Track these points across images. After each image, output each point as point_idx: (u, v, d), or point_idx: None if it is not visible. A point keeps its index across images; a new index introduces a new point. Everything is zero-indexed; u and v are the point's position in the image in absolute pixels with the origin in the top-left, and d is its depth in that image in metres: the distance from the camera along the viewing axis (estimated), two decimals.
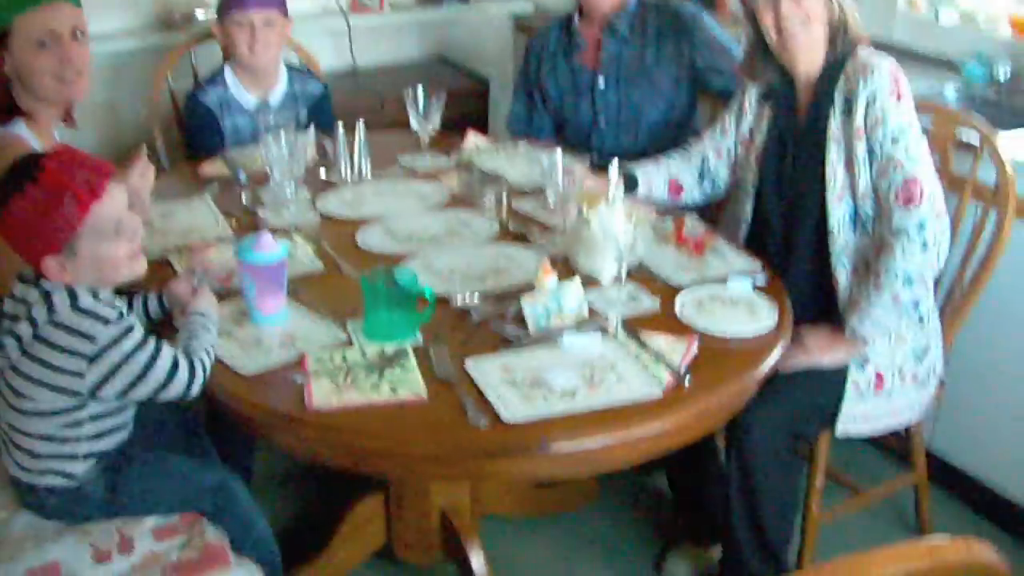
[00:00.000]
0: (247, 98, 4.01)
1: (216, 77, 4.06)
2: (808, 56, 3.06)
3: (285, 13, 4.00)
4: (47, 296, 2.31)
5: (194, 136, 4.06)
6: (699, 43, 3.86)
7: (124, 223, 2.37)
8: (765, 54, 3.15)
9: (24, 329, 2.30)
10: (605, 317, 2.61)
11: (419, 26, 5.70)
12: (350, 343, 2.52)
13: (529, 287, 2.66)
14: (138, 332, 2.34)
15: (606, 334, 2.54)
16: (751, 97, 3.27)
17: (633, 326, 2.58)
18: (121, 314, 2.33)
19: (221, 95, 4.01)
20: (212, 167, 3.68)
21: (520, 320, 2.58)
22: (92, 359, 2.28)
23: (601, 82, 3.95)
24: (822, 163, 3.01)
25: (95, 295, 2.34)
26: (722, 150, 3.36)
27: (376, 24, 5.51)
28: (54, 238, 2.29)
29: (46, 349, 2.29)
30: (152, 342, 2.34)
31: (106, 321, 2.29)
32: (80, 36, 3.13)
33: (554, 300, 2.58)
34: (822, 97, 3.04)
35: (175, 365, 2.34)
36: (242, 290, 2.63)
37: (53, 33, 3.06)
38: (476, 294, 2.72)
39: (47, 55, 3.06)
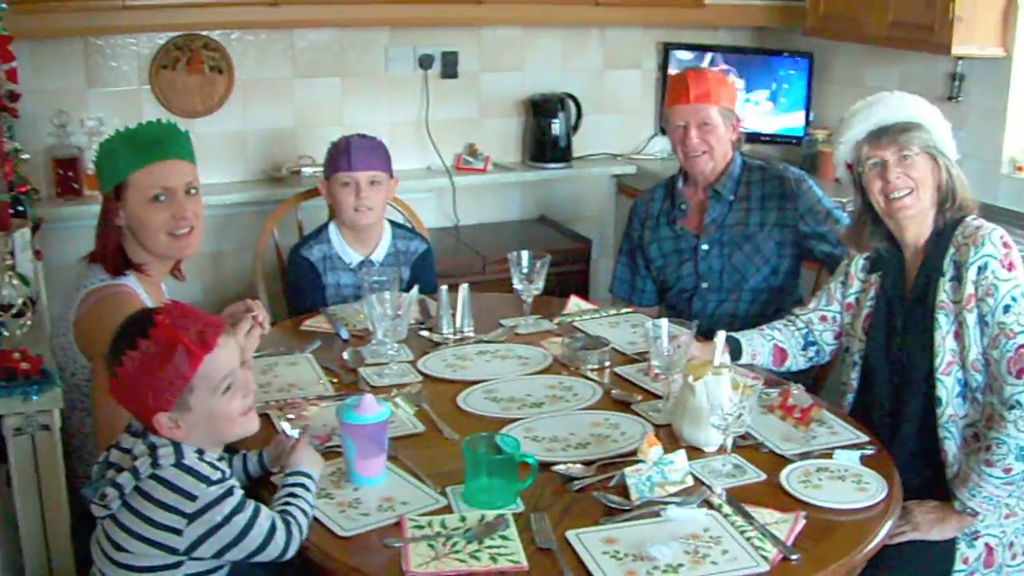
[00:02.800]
0: (350, 255, 4.05)
1: (320, 233, 4.11)
2: (916, 223, 3.04)
3: (391, 173, 4.06)
4: (153, 449, 2.31)
5: (296, 291, 4.09)
6: (803, 209, 3.85)
7: (237, 377, 2.39)
8: (873, 221, 3.13)
9: (126, 480, 2.28)
10: (709, 488, 2.55)
11: (522, 186, 5.78)
12: (449, 508, 2.49)
13: (632, 455, 2.63)
14: (238, 494, 2.32)
15: (711, 507, 2.49)
16: (857, 264, 3.25)
17: (738, 498, 2.52)
18: (223, 475, 2.32)
19: (325, 251, 4.05)
20: (314, 322, 3.70)
21: (623, 489, 2.53)
22: (191, 518, 2.26)
23: (704, 246, 3.95)
24: (931, 332, 2.96)
25: (200, 454, 2.34)
26: (827, 317, 3.33)
27: (479, 183, 5.61)
28: (167, 392, 2.30)
29: (146, 503, 2.27)
30: (251, 505, 2.32)
31: (208, 481, 2.28)
32: (193, 192, 3.19)
33: (658, 470, 2.54)
34: (931, 265, 3.01)
35: (273, 528, 2.32)
36: (342, 450, 2.61)
37: (167, 189, 3.11)
38: (578, 463, 2.68)
39: (160, 210, 3.11)
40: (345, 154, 3.98)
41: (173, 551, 2.28)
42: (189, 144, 3.24)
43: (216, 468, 2.32)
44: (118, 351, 2.32)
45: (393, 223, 4.20)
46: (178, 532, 2.26)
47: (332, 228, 4.10)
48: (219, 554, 2.30)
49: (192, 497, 2.26)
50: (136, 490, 2.28)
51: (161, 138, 3.17)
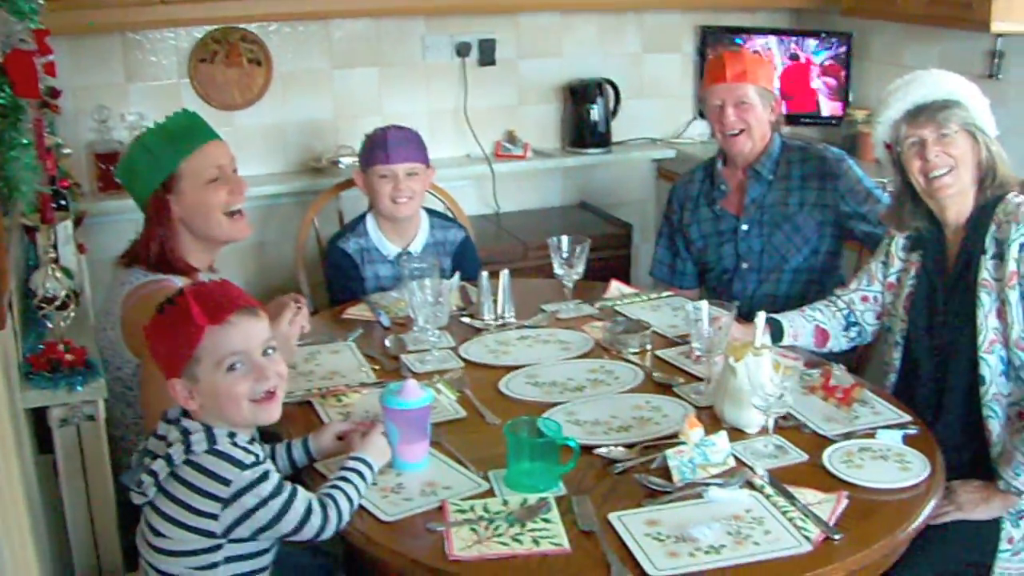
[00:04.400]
0: (388, 247, 4.06)
1: (357, 226, 4.12)
2: (957, 201, 3.02)
3: (427, 163, 4.07)
4: (186, 435, 2.33)
5: (335, 284, 4.10)
6: (844, 188, 3.83)
7: (249, 360, 2.39)
8: (913, 201, 3.12)
9: (161, 467, 2.32)
10: (751, 469, 2.55)
11: (562, 172, 5.78)
12: (492, 492, 2.50)
13: (674, 437, 2.63)
14: (274, 477, 2.34)
15: (752, 487, 2.49)
16: (897, 244, 3.23)
17: (780, 479, 2.51)
18: (257, 458, 2.34)
19: (362, 244, 4.06)
20: (356, 311, 3.72)
21: (665, 471, 2.53)
22: (226, 502, 2.28)
23: (744, 227, 3.94)
24: (973, 310, 2.95)
25: (233, 439, 2.35)
26: (869, 297, 3.31)
27: (519, 170, 5.60)
28: (176, 358, 2.35)
29: (182, 488, 2.30)
30: (287, 488, 2.34)
31: (242, 465, 2.30)
32: (236, 170, 3.26)
33: (699, 452, 2.54)
34: (972, 243, 2.99)
35: (308, 511, 2.33)
36: (385, 436, 2.62)
37: (221, 168, 3.20)
38: (620, 445, 2.68)
39: (218, 189, 3.19)
40: (382, 146, 3.99)
41: (210, 535, 2.31)
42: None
43: (249, 452, 2.34)
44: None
45: (430, 212, 4.21)
46: (214, 517, 2.29)
47: (369, 220, 4.10)
48: (255, 535, 2.33)
49: (226, 482, 2.28)
50: (171, 476, 2.31)
51: (194, 125, 3.25)
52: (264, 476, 2.31)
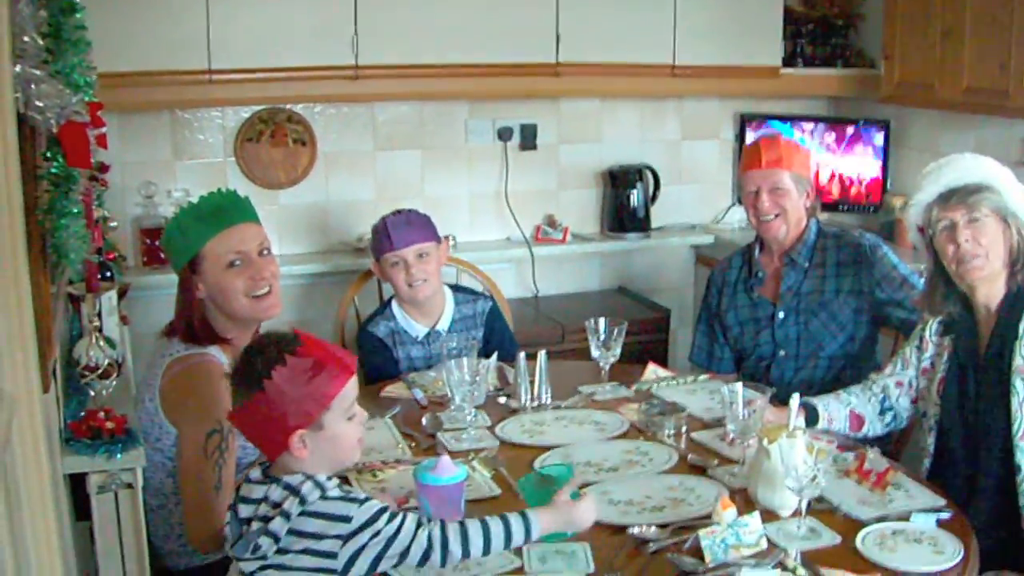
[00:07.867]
0: (416, 328, 4.09)
1: (385, 310, 4.17)
2: (988, 286, 3.04)
3: (438, 240, 4.11)
4: (292, 490, 2.31)
5: (370, 367, 4.10)
6: (879, 275, 3.85)
7: (357, 407, 2.44)
8: (945, 284, 3.13)
9: (280, 525, 2.28)
10: (784, 551, 2.54)
11: (601, 257, 5.82)
12: (522, 570, 2.50)
13: (707, 518, 2.63)
14: (386, 512, 2.33)
15: (785, 569, 2.48)
16: (931, 328, 3.24)
17: (813, 561, 2.50)
18: (368, 496, 2.36)
19: (391, 327, 4.10)
20: (394, 389, 3.74)
21: (697, 552, 2.53)
22: (346, 539, 2.27)
23: (780, 313, 3.95)
24: (1006, 396, 2.94)
25: (337, 484, 2.36)
26: (903, 382, 3.31)
27: (558, 254, 5.65)
28: (311, 408, 2.32)
29: (300, 540, 2.28)
30: (400, 515, 2.34)
31: (359, 502, 2.31)
32: (266, 253, 3.27)
33: (732, 533, 2.53)
34: (1004, 328, 3.00)
35: (417, 527, 2.33)
36: (419, 512, 2.63)
37: (241, 253, 3.21)
38: (653, 525, 2.68)
39: (238, 274, 3.20)
40: (385, 234, 4.04)
41: (331, 573, 2.30)
42: (252, 208, 3.33)
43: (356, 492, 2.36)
44: (261, 369, 2.32)
45: (454, 287, 4.26)
46: (333, 556, 2.28)
47: (394, 304, 4.14)
48: (373, 566, 2.31)
49: (347, 519, 2.28)
50: (290, 532, 2.29)
51: (224, 206, 3.26)
52: (381, 511, 2.31)
